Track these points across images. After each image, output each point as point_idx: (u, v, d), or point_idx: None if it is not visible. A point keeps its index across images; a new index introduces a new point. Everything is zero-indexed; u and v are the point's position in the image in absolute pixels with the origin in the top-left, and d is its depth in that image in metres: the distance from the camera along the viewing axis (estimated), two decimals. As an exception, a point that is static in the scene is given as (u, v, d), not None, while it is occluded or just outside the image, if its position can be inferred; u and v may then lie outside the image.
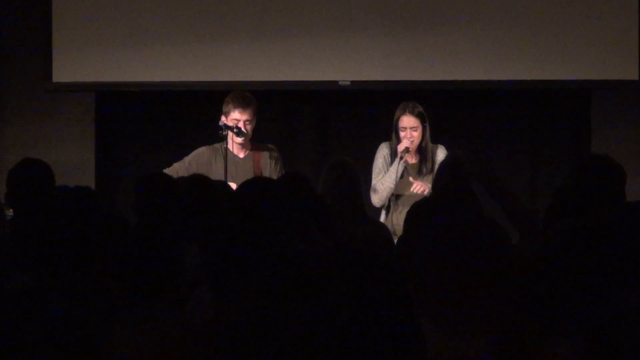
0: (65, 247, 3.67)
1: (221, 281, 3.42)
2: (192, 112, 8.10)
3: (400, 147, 6.59)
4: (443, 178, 5.61)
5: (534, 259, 2.68)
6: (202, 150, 6.70)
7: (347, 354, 2.64)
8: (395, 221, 6.45)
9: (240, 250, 3.46)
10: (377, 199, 6.61)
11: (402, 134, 6.64)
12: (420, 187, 6.49)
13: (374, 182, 6.65)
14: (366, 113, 8.11)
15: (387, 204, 6.64)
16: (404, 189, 6.59)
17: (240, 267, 2.59)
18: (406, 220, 4.30)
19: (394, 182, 6.58)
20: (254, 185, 4.10)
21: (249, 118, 6.57)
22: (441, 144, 6.80)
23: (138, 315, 3.24)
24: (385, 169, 6.64)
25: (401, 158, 6.58)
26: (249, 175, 6.26)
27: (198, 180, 4.92)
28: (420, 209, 4.20)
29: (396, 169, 6.57)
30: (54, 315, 3.37)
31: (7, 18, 8.07)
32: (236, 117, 6.55)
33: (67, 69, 7.85)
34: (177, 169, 6.52)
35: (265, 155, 6.69)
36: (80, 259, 3.59)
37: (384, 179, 6.61)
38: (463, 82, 7.76)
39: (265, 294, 2.40)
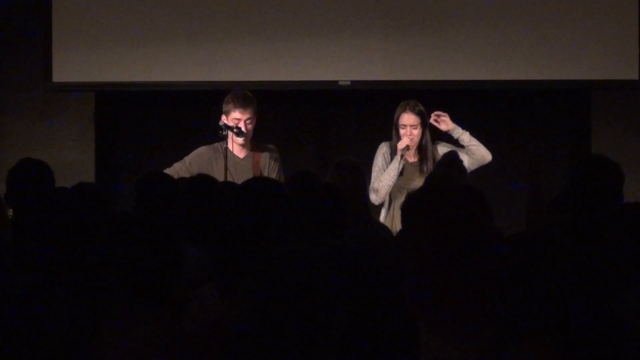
0: (65, 247, 3.67)
1: (228, 281, 3.42)
2: (192, 112, 8.11)
3: (401, 145, 6.61)
4: (436, 176, 5.64)
5: (521, 253, 2.68)
6: (202, 150, 6.70)
7: (343, 356, 2.64)
8: (396, 217, 6.47)
9: (245, 250, 3.47)
10: (376, 197, 6.63)
11: (402, 131, 6.66)
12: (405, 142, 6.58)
13: (373, 181, 6.67)
14: (366, 113, 8.12)
15: (387, 200, 6.66)
16: (404, 185, 6.61)
17: (246, 267, 2.60)
18: (402, 216, 4.31)
19: (393, 180, 6.60)
20: (256, 185, 4.10)
21: (249, 117, 6.57)
22: (441, 142, 6.81)
23: (138, 315, 3.24)
24: (385, 168, 6.66)
25: (402, 156, 6.60)
26: (249, 175, 6.26)
27: (202, 181, 4.92)
28: (415, 204, 4.21)
29: (396, 166, 6.59)
30: (53, 314, 3.38)
31: (7, 18, 8.07)
32: (237, 116, 6.55)
33: (67, 69, 7.85)
34: (178, 169, 6.52)
35: (265, 155, 6.69)
36: (80, 258, 3.59)
37: (382, 177, 6.63)
38: (463, 82, 7.76)
39: (266, 294, 2.40)
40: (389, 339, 3.31)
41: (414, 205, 4.20)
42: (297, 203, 4.35)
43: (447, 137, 6.93)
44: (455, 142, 6.84)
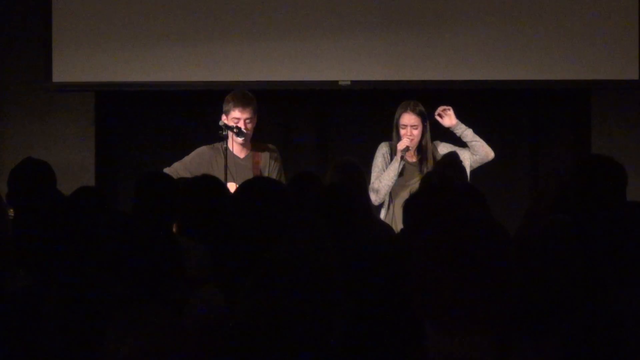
0: (65, 247, 3.67)
1: (228, 281, 3.42)
2: (192, 112, 8.11)
3: (400, 146, 6.61)
4: (433, 175, 5.66)
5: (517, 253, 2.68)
6: (202, 149, 6.70)
7: (348, 354, 2.64)
8: (396, 217, 6.47)
9: (246, 250, 3.47)
10: (376, 197, 6.63)
11: (402, 131, 6.67)
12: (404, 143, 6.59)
13: (373, 181, 6.67)
14: (366, 113, 8.11)
15: (387, 200, 6.66)
16: (404, 186, 6.61)
17: (247, 267, 2.60)
18: (404, 214, 4.31)
19: (393, 180, 6.60)
20: (256, 185, 4.10)
21: (249, 116, 6.57)
22: (441, 142, 6.82)
23: (138, 315, 3.24)
24: (385, 169, 6.66)
25: (402, 157, 6.61)
26: (249, 175, 6.26)
27: (207, 180, 4.92)
28: (417, 202, 4.21)
29: (395, 167, 6.59)
30: (53, 314, 3.38)
31: (7, 18, 8.07)
32: (236, 115, 6.55)
33: (67, 69, 7.85)
34: (178, 169, 6.51)
35: (265, 155, 6.69)
36: (80, 258, 3.59)
37: (382, 177, 6.63)
38: (463, 82, 7.76)
39: (267, 294, 2.40)
40: (394, 336, 3.31)
41: (416, 203, 4.20)
42: (302, 203, 4.35)
43: (447, 136, 6.93)
44: (456, 141, 6.84)
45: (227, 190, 4.91)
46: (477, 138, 6.80)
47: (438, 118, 6.81)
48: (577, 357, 2.76)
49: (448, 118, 6.82)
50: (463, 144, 6.81)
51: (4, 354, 3.31)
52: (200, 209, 4.62)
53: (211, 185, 4.85)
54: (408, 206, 4.32)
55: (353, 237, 4.37)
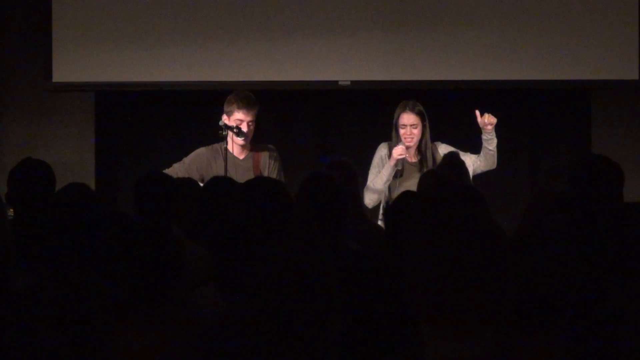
0: (65, 247, 3.67)
1: (228, 281, 3.43)
2: (192, 112, 8.11)
3: (395, 153, 6.55)
4: (430, 175, 5.65)
5: (517, 252, 2.69)
6: (201, 150, 6.69)
7: (345, 355, 2.64)
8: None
9: (245, 250, 3.47)
10: (368, 199, 6.59)
11: (401, 131, 6.65)
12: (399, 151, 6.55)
13: (369, 182, 6.65)
14: (366, 113, 8.11)
15: (385, 201, 6.64)
16: (404, 186, 6.60)
17: (246, 267, 2.61)
18: (388, 215, 4.31)
19: (385, 185, 6.54)
20: (258, 185, 4.10)
21: (252, 119, 6.56)
22: (442, 143, 6.81)
23: (139, 315, 3.25)
24: (381, 170, 6.64)
25: (395, 164, 6.54)
26: (249, 176, 6.25)
27: (218, 183, 4.92)
28: (405, 205, 4.22)
29: (389, 172, 6.54)
30: (53, 314, 3.38)
31: (7, 18, 8.07)
32: (240, 117, 6.54)
33: (67, 69, 7.85)
34: (177, 170, 6.51)
35: (264, 155, 6.68)
36: (81, 258, 3.60)
37: (375, 181, 6.60)
38: (463, 82, 7.76)
39: (266, 294, 2.40)
40: (390, 338, 3.31)
41: (398, 211, 4.20)
42: (309, 204, 4.35)
43: (447, 138, 6.93)
44: (456, 143, 6.83)
45: (234, 192, 4.90)
46: (495, 150, 6.74)
47: (478, 114, 6.73)
48: (576, 358, 2.76)
49: (490, 125, 6.72)
50: (463, 147, 6.79)
51: (4, 355, 3.31)
52: (206, 210, 4.62)
53: (221, 187, 4.85)
54: (389, 213, 4.32)
55: (346, 236, 4.38)
